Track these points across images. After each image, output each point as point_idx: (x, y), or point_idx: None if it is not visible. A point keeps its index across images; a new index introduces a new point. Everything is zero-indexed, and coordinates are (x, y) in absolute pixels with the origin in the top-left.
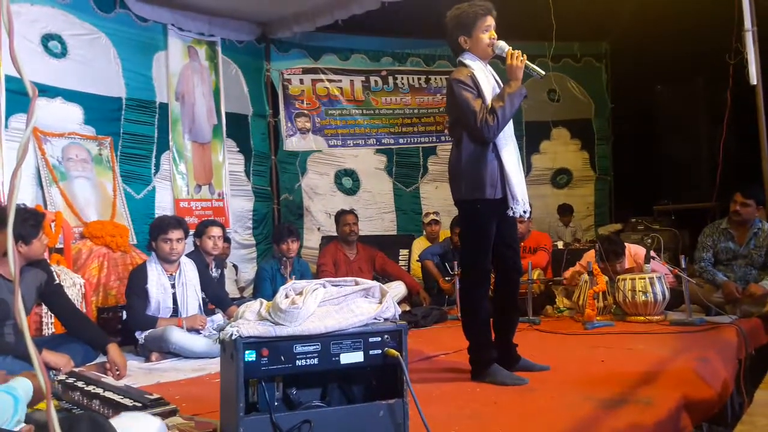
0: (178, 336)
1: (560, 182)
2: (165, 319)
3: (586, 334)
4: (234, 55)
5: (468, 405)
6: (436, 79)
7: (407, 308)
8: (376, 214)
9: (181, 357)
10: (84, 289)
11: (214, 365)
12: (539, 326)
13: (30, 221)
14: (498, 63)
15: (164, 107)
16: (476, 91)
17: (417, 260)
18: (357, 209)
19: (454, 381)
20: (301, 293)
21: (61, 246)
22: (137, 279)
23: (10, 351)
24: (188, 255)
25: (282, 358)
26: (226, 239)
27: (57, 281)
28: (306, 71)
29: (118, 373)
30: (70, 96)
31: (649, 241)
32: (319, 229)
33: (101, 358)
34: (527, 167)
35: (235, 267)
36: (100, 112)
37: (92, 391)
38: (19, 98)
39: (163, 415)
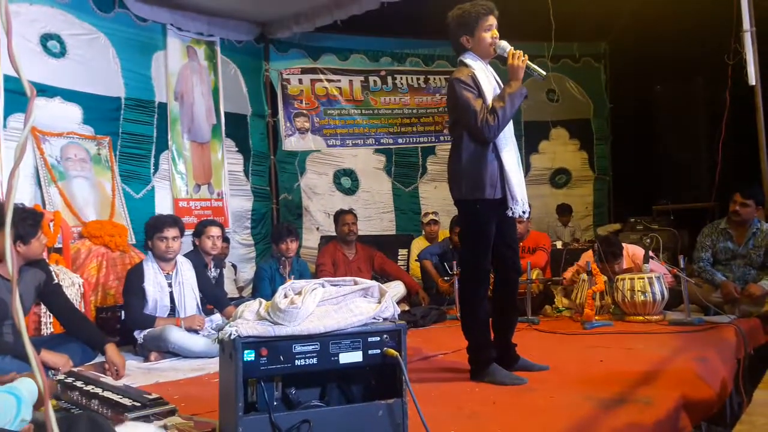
0: (177, 335)
1: (559, 182)
2: (163, 318)
3: (585, 334)
4: (233, 55)
5: (467, 405)
6: (435, 79)
7: (406, 308)
8: (375, 213)
9: (180, 357)
10: (83, 289)
11: (213, 365)
12: (538, 326)
13: (28, 221)
14: (498, 63)
15: (163, 107)
16: (477, 90)
17: (416, 260)
18: (356, 209)
19: (453, 381)
20: (300, 293)
21: (60, 246)
22: (134, 278)
23: (8, 351)
24: (187, 255)
25: (281, 357)
26: (225, 239)
27: (56, 281)
28: (305, 71)
29: (116, 371)
30: (69, 96)
31: (648, 241)
32: (318, 228)
33: (100, 358)
34: (526, 167)
35: (234, 267)
36: (99, 111)
37: (91, 390)
38: (18, 98)
39: (162, 415)
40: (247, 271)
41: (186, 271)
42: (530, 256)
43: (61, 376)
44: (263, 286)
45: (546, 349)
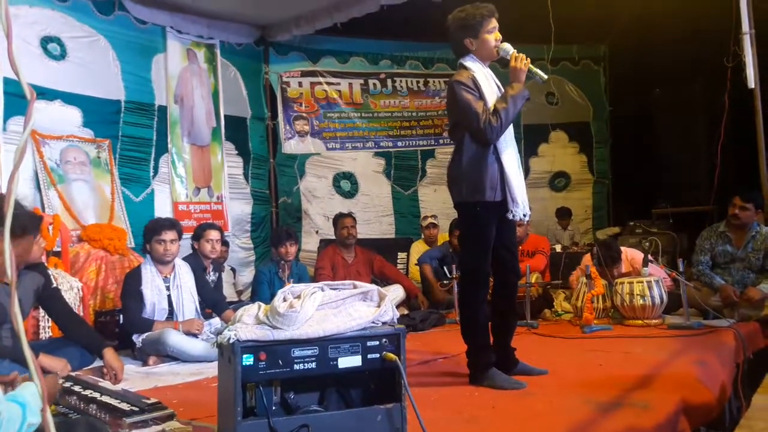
0: (176, 339)
1: (558, 185)
2: (161, 322)
3: (585, 338)
4: (233, 58)
5: (466, 409)
6: (434, 82)
7: (405, 312)
8: (374, 217)
9: (179, 360)
10: (81, 293)
11: (211, 369)
12: (537, 330)
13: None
14: (497, 66)
15: (163, 110)
16: (478, 93)
17: (415, 264)
18: (355, 212)
19: (452, 385)
20: (299, 297)
21: (59, 249)
22: (132, 281)
23: (7, 355)
24: (186, 258)
25: (280, 362)
26: (224, 242)
27: (54, 285)
28: (305, 74)
29: (114, 375)
30: (69, 98)
31: (647, 244)
32: (317, 232)
33: (98, 362)
34: (525, 170)
35: (233, 270)
36: (99, 114)
37: (89, 395)
38: (18, 101)
39: (161, 420)
40: (247, 275)
41: (184, 274)
42: (529, 259)
43: (59, 381)
44: (262, 289)
45: (545, 353)
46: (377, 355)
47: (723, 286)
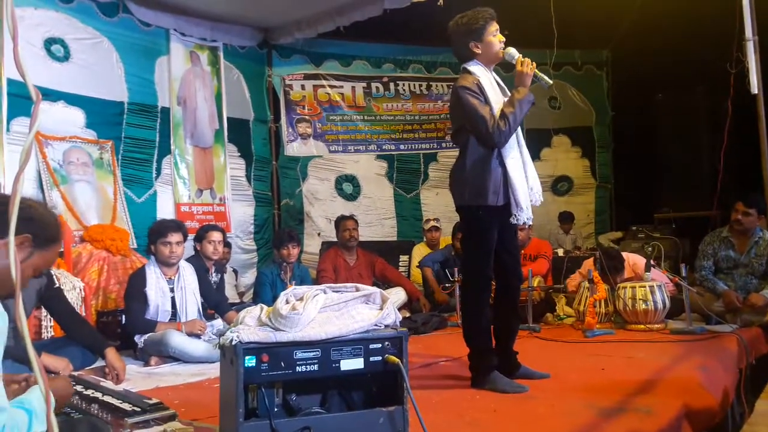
0: (178, 340)
1: (561, 190)
2: (164, 323)
3: (587, 342)
4: (236, 61)
5: (468, 412)
6: (437, 85)
7: (407, 314)
8: (376, 219)
9: (181, 361)
10: (84, 293)
11: (213, 370)
12: (539, 334)
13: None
14: (500, 70)
15: (166, 111)
16: (483, 97)
17: (417, 267)
18: (357, 215)
19: (454, 388)
20: (301, 299)
21: (62, 249)
22: (136, 283)
23: (9, 354)
24: (188, 259)
25: (282, 364)
26: (227, 244)
27: (57, 285)
28: (307, 77)
29: (116, 375)
30: (72, 100)
31: (650, 249)
32: (319, 234)
33: (100, 362)
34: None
35: (235, 272)
36: (102, 115)
37: (91, 395)
38: (21, 102)
39: (162, 420)
40: (249, 277)
41: (188, 276)
42: (532, 263)
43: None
44: (264, 291)
45: (547, 357)
46: (379, 358)
47: (726, 291)
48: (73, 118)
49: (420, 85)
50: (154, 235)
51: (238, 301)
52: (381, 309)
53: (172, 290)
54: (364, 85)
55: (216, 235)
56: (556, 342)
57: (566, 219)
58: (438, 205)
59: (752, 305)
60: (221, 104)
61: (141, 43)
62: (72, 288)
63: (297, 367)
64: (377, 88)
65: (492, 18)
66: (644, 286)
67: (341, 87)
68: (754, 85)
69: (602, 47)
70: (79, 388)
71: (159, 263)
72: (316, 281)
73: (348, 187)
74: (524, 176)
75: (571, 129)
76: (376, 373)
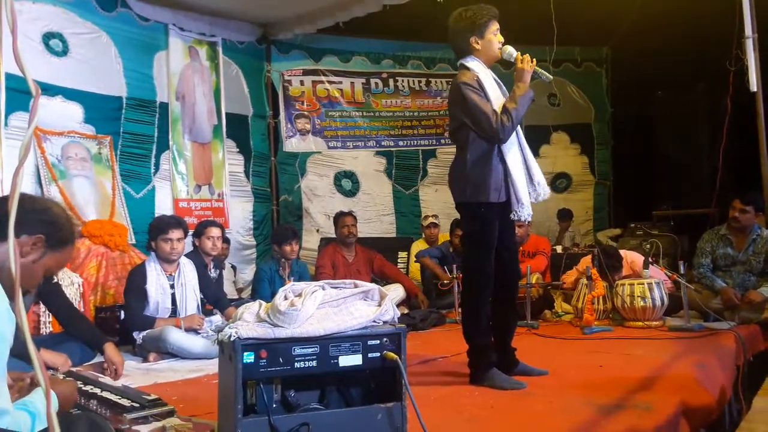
0: (177, 336)
1: (560, 186)
2: (163, 319)
3: (585, 339)
4: (235, 56)
5: (466, 409)
6: (436, 81)
7: (405, 311)
8: (375, 216)
9: (179, 357)
10: (82, 288)
11: (212, 366)
12: (538, 330)
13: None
14: (499, 67)
15: (164, 107)
16: (483, 93)
17: (414, 260)
18: (356, 211)
19: (452, 384)
20: (300, 295)
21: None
22: (136, 279)
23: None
24: (187, 255)
25: (280, 360)
26: (225, 240)
27: (55, 280)
28: (306, 72)
29: (115, 370)
30: (71, 94)
31: (648, 246)
32: (318, 230)
33: (99, 358)
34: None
35: (234, 268)
36: (101, 111)
37: (90, 391)
38: (19, 96)
39: (161, 416)
40: (248, 273)
41: (188, 272)
42: (530, 260)
43: (60, 376)
44: (263, 287)
45: (545, 354)
46: (378, 354)
47: (724, 288)
48: (72, 113)
49: (419, 81)
50: (154, 231)
51: (236, 297)
52: (379, 305)
53: (172, 287)
54: (363, 81)
55: (215, 231)
56: (555, 339)
57: (565, 216)
58: (437, 201)
59: (750, 302)
60: (220, 100)
61: (139, 38)
62: (70, 283)
63: (295, 363)
64: (376, 84)
65: (495, 17)
66: (642, 284)
67: (340, 83)
68: (754, 83)
69: (602, 44)
70: (78, 383)
71: (159, 260)
72: (315, 277)
73: (347, 183)
74: (525, 172)
75: (570, 126)
76: (375, 370)
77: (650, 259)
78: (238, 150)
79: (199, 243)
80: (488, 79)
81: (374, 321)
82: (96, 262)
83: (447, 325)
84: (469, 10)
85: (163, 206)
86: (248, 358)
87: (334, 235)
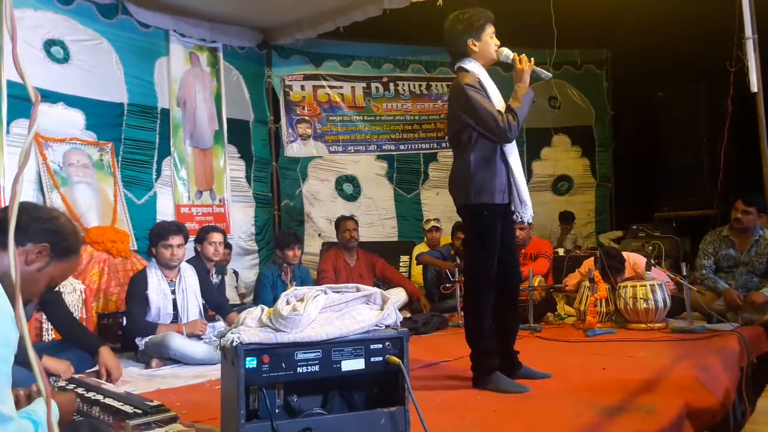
0: (179, 342)
1: (561, 189)
2: (165, 325)
3: (588, 342)
4: (235, 62)
5: (469, 413)
6: (437, 85)
7: (408, 315)
8: (377, 220)
9: (182, 363)
10: (84, 295)
11: (214, 372)
12: (540, 333)
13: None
14: (499, 70)
15: (166, 113)
16: (485, 94)
17: (416, 263)
18: (358, 215)
19: (455, 388)
20: (302, 300)
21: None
22: (137, 285)
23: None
24: (189, 261)
25: (283, 365)
26: (227, 245)
27: (56, 288)
28: (307, 77)
29: (109, 374)
30: (72, 101)
31: (650, 248)
32: (320, 235)
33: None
34: (528, 174)
35: (236, 273)
36: (102, 117)
37: (92, 397)
38: (20, 103)
39: (164, 422)
40: (250, 278)
41: (189, 277)
42: (532, 263)
43: (62, 383)
44: (265, 292)
45: (548, 357)
46: (380, 359)
47: (727, 290)
48: (73, 120)
49: (420, 85)
50: (154, 237)
51: (238, 302)
52: (382, 309)
53: (173, 292)
54: (364, 85)
55: (217, 237)
56: (557, 341)
57: (567, 218)
58: (438, 205)
59: (753, 303)
60: (221, 105)
61: (140, 45)
62: (72, 290)
63: (298, 368)
64: (377, 88)
65: (491, 20)
66: (645, 285)
67: (341, 87)
68: (754, 84)
69: (602, 47)
70: (80, 390)
71: (160, 265)
72: (317, 282)
73: (348, 187)
74: (523, 174)
75: (571, 128)
76: (377, 374)
77: (652, 261)
78: (239, 155)
79: (201, 249)
80: (488, 80)
81: (376, 325)
82: (98, 269)
83: (449, 328)
84: (466, 13)
85: (165, 212)
86: (251, 363)
87: (335, 240)
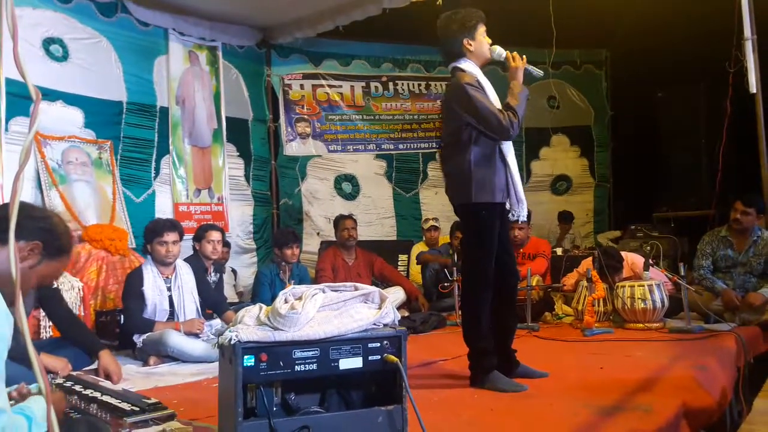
0: (177, 340)
1: (560, 189)
2: (162, 322)
3: (585, 341)
4: (235, 60)
5: (467, 411)
6: (436, 85)
7: (406, 314)
8: (375, 219)
9: (180, 361)
10: (82, 293)
11: (212, 370)
12: (538, 333)
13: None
14: (498, 69)
15: (165, 111)
16: (484, 93)
17: (416, 263)
18: (357, 214)
19: (453, 387)
20: (300, 298)
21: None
22: (133, 282)
23: (9, 354)
24: (187, 259)
25: (281, 363)
26: (226, 243)
27: (55, 285)
28: (306, 76)
29: (110, 379)
30: (71, 99)
31: (648, 248)
32: (318, 234)
33: (96, 364)
34: (527, 174)
35: (234, 272)
36: (101, 115)
37: (90, 395)
38: (20, 101)
39: (161, 420)
40: (248, 276)
41: (185, 275)
42: (530, 262)
43: (60, 380)
44: (263, 291)
45: (546, 356)
46: (378, 357)
47: (724, 290)
48: (72, 118)
49: (419, 85)
50: (150, 234)
51: (237, 300)
52: (380, 308)
53: (169, 289)
54: (363, 84)
55: (215, 235)
56: (555, 341)
57: (566, 218)
58: (437, 204)
59: (751, 304)
60: (220, 104)
61: (139, 43)
62: (71, 288)
63: (296, 367)
64: (376, 87)
65: (483, 19)
66: (643, 285)
67: (340, 86)
68: (753, 84)
69: (601, 47)
70: (78, 387)
71: (156, 262)
72: (315, 281)
73: (347, 186)
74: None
75: (569, 128)
76: (375, 372)
77: (650, 261)
78: (238, 154)
79: (199, 247)
80: (485, 80)
81: (374, 324)
82: (96, 267)
83: (447, 327)
84: (458, 13)
85: (164, 210)
86: (248, 361)
87: (334, 239)
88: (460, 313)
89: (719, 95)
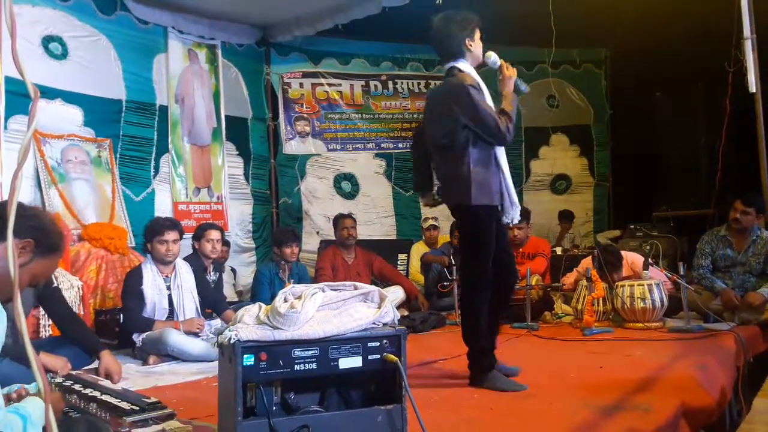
0: (176, 339)
1: (559, 188)
2: (162, 321)
3: (585, 341)
4: (234, 59)
5: (466, 411)
6: (435, 84)
7: (405, 313)
8: (375, 218)
9: (179, 360)
10: (82, 292)
11: (212, 369)
12: (538, 332)
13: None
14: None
15: (164, 110)
16: (483, 97)
17: (421, 260)
18: (356, 213)
19: (452, 386)
20: (299, 297)
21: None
22: (133, 281)
23: (7, 353)
24: (186, 258)
25: (280, 362)
26: (225, 242)
27: (55, 284)
28: (306, 75)
29: (110, 379)
30: (70, 98)
31: (648, 247)
32: (318, 232)
33: (96, 363)
34: (526, 173)
35: (234, 271)
36: (100, 114)
37: (89, 394)
38: (18, 99)
39: (161, 419)
40: (247, 275)
41: (184, 273)
42: (530, 261)
43: (59, 379)
44: (262, 290)
45: (545, 356)
46: (378, 356)
47: (724, 289)
48: (71, 116)
49: (418, 84)
50: (150, 233)
51: (236, 299)
52: (379, 307)
53: (168, 288)
54: (363, 83)
55: (214, 234)
56: (555, 340)
57: (566, 218)
58: None
59: (750, 304)
60: (219, 102)
61: (139, 41)
62: (70, 287)
63: (295, 366)
64: (375, 86)
65: (480, 24)
66: (642, 285)
67: (339, 85)
68: (752, 84)
69: (601, 46)
70: (77, 386)
71: (155, 261)
72: (315, 280)
73: (347, 185)
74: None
75: (569, 127)
76: (375, 372)
77: (650, 260)
78: (237, 153)
79: (198, 246)
80: (482, 82)
81: (374, 323)
82: (96, 265)
83: (447, 327)
84: (459, 14)
85: (163, 209)
86: (248, 360)
87: (333, 238)
88: (459, 312)
89: (719, 94)
